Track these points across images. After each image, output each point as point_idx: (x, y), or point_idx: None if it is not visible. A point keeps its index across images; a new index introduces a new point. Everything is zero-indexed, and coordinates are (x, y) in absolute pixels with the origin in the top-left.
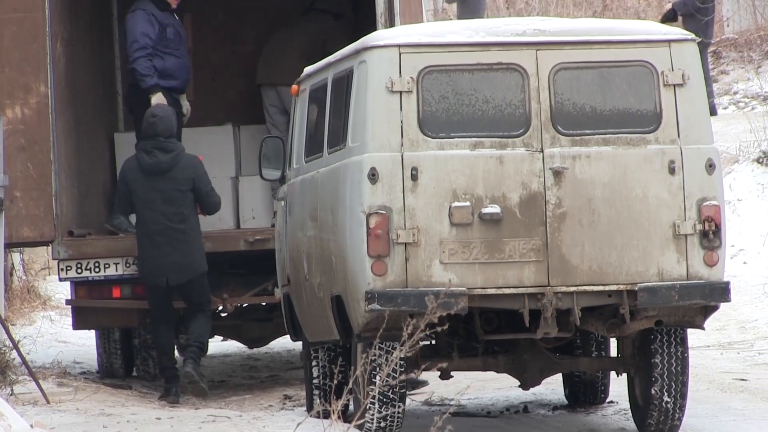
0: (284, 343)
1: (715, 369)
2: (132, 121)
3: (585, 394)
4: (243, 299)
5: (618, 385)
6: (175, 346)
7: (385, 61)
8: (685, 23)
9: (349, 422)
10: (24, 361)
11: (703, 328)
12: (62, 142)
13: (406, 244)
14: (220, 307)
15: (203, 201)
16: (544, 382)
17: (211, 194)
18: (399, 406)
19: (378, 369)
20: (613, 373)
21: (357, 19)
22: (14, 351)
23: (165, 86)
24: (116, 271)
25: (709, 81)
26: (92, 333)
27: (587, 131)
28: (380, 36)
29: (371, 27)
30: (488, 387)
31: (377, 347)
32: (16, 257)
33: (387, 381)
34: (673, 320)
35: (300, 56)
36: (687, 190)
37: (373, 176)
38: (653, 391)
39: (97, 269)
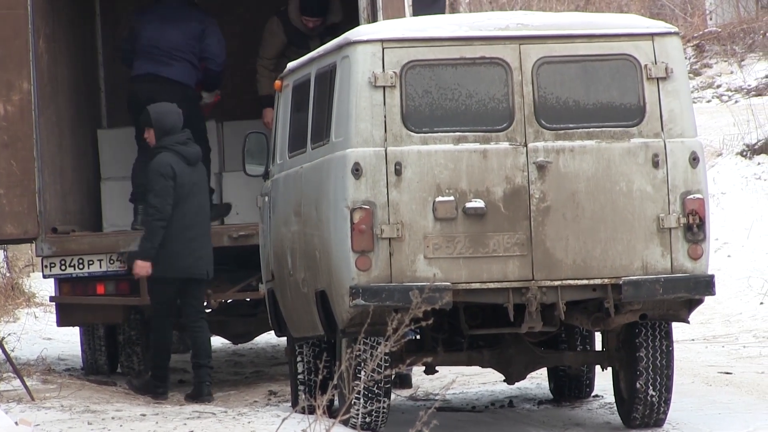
0: (269, 338)
1: (699, 362)
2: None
3: (570, 388)
4: (227, 295)
5: (603, 379)
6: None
7: (368, 56)
8: None
9: (334, 417)
10: (8, 359)
11: (688, 322)
12: (45, 138)
13: (390, 239)
14: (205, 303)
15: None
16: (529, 376)
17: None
18: (384, 401)
19: (363, 364)
20: (598, 367)
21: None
22: None
23: None
24: (100, 267)
25: None
26: (77, 330)
27: (571, 125)
28: (363, 31)
29: (354, 22)
30: (473, 382)
31: (362, 342)
32: None
33: (372, 376)
34: (657, 314)
35: None
36: (671, 184)
37: (356, 171)
38: (638, 385)
39: (81, 266)
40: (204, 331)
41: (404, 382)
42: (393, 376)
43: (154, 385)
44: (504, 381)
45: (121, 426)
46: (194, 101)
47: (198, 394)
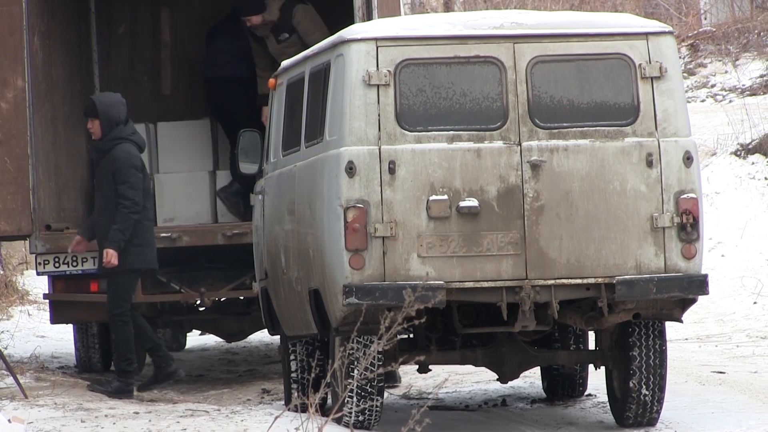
0: (262, 337)
1: (693, 362)
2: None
3: (563, 387)
4: (221, 293)
5: (596, 378)
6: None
7: (362, 54)
8: None
9: (327, 416)
10: (2, 356)
11: (681, 321)
12: (40, 136)
13: (383, 237)
14: (198, 301)
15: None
16: (522, 375)
17: None
18: (377, 400)
19: (356, 363)
20: (591, 366)
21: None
22: None
23: None
24: (94, 265)
25: None
26: (70, 327)
27: (565, 124)
28: (357, 29)
29: (349, 20)
30: (466, 380)
31: (355, 341)
32: None
33: (365, 375)
34: (651, 313)
35: None
36: (665, 183)
37: (350, 170)
38: (631, 384)
39: (74, 263)
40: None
41: (390, 378)
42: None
43: (126, 384)
44: (497, 380)
45: (114, 424)
46: None
47: (164, 376)
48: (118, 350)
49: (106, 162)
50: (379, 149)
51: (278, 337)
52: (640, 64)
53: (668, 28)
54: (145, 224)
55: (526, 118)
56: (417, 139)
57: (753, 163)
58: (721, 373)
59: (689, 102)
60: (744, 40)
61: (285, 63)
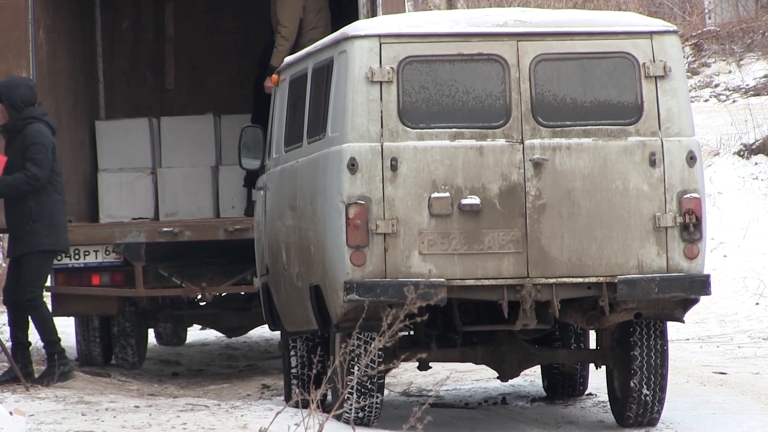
0: (262, 332)
1: (694, 362)
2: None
3: (563, 386)
4: (222, 288)
5: (597, 378)
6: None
7: (365, 51)
8: None
9: (328, 412)
10: (3, 348)
11: (683, 321)
12: None
13: (385, 234)
14: (199, 296)
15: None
16: (522, 373)
17: None
18: (377, 397)
19: (356, 359)
20: (591, 366)
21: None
22: None
23: None
24: (96, 258)
25: None
26: (71, 320)
27: (568, 122)
28: (361, 26)
29: (353, 17)
30: (467, 378)
31: (356, 337)
32: None
33: (365, 371)
34: (652, 313)
35: None
36: (668, 183)
37: (352, 166)
38: (632, 384)
39: (77, 256)
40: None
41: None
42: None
43: (60, 366)
44: (497, 378)
45: (114, 417)
46: None
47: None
48: (43, 335)
49: (19, 141)
50: (382, 146)
51: (279, 332)
52: (643, 63)
53: (672, 27)
54: (58, 206)
55: (529, 116)
56: (419, 136)
57: (756, 164)
58: (722, 374)
59: (693, 102)
60: (748, 39)
61: (288, 59)
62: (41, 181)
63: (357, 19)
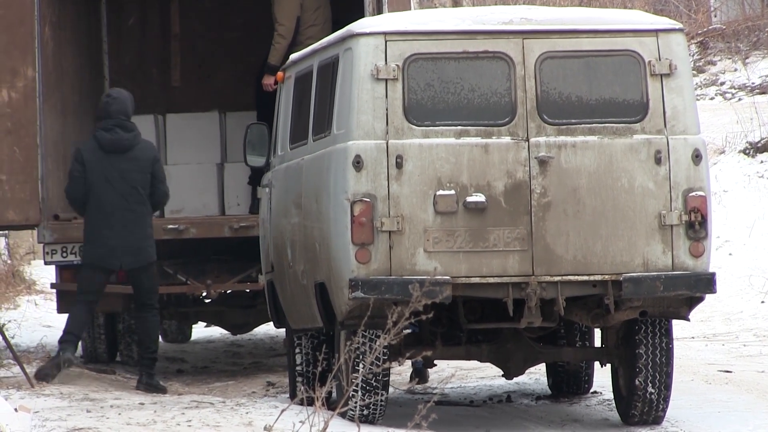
0: (267, 329)
1: (699, 360)
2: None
3: (568, 384)
4: (227, 285)
5: (602, 376)
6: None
7: (370, 48)
8: None
9: (333, 410)
10: (9, 345)
11: (688, 320)
12: (49, 126)
13: (390, 232)
14: (204, 293)
15: (157, 187)
16: (527, 371)
17: (165, 182)
18: (382, 394)
19: (361, 357)
20: (596, 364)
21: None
22: None
23: None
24: None
25: None
26: None
27: (573, 120)
28: (366, 23)
29: (359, 14)
30: (471, 376)
31: (361, 335)
32: (0, 241)
33: (370, 369)
34: (657, 311)
35: None
36: (673, 181)
37: (357, 164)
38: (637, 382)
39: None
40: (147, 319)
41: (421, 376)
42: (411, 372)
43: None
44: (502, 376)
45: (119, 414)
46: None
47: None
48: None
49: None
50: (387, 143)
51: (283, 330)
52: (649, 61)
53: (678, 25)
54: (92, 220)
55: (535, 113)
56: (424, 133)
57: (762, 162)
58: (727, 372)
59: (698, 100)
60: (754, 38)
61: (293, 56)
62: (71, 195)
63: (362, 16)
